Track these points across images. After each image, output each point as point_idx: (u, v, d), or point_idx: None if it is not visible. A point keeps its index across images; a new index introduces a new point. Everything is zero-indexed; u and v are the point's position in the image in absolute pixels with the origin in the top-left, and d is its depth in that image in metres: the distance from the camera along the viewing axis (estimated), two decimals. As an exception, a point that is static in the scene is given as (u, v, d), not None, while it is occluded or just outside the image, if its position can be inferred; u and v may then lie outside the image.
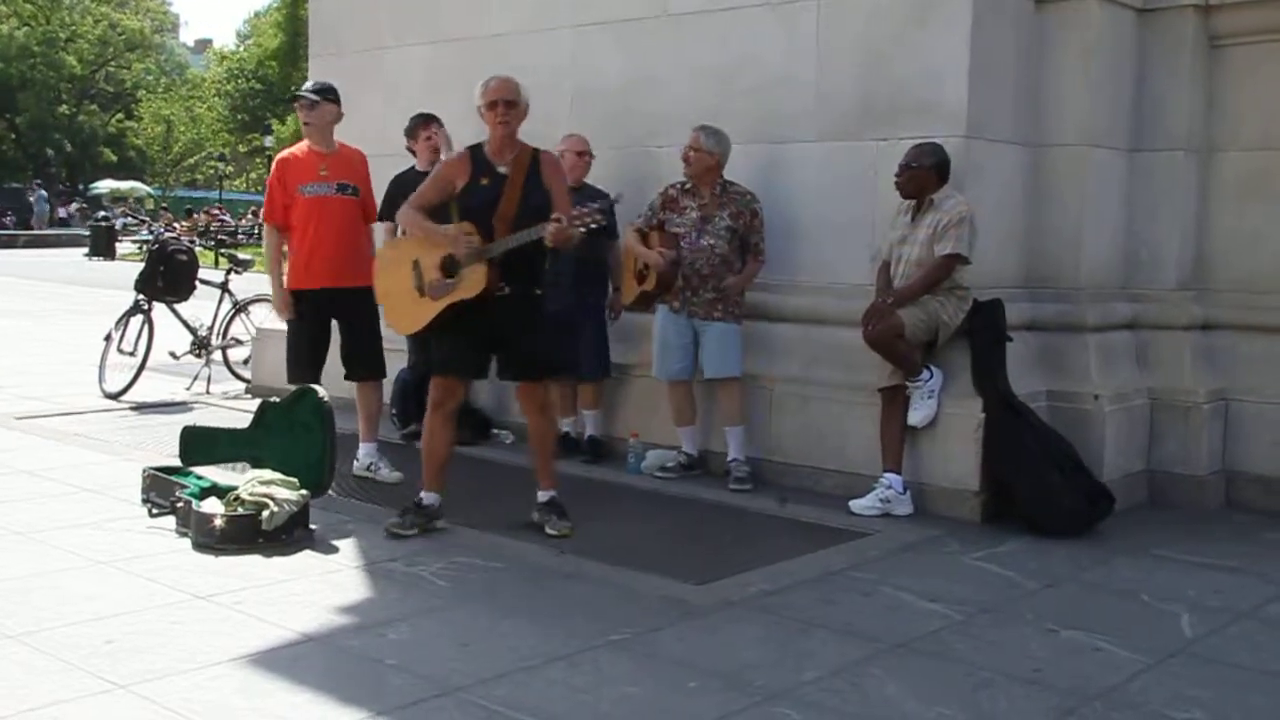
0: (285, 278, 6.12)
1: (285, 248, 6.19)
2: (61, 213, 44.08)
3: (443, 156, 6.93)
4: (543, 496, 5.18)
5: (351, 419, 6.14)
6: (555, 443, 5.45)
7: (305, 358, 6.03)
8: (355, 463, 6.09)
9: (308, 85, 6.16)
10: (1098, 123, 6.26)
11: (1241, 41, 6.43)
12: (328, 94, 6.06)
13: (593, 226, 4.93)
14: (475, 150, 5.09)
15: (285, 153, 6.29)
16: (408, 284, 5.08)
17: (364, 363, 6.11)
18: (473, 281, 4.91)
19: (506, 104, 5.01)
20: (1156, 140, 6.50)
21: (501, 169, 5.00)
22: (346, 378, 6.12)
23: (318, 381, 6.02)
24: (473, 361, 5.16)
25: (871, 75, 6.12)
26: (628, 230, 6.44)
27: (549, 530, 5.05)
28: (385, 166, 6.87)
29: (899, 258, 5.77)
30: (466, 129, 6.62)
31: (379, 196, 6.42)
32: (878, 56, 6.10)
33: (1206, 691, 3.61)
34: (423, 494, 5.11)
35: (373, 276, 5.47)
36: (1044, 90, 6.24)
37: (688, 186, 6.24)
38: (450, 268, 4.95)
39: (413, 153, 6.94)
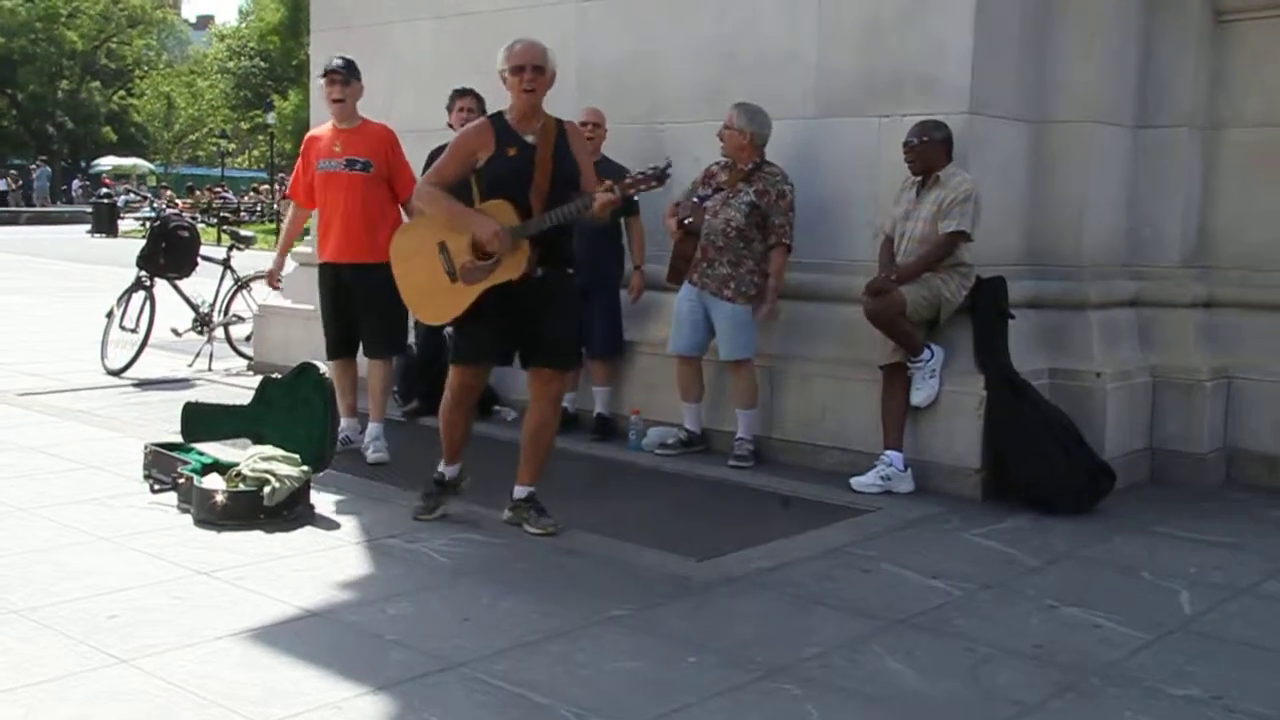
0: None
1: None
2: (75, 189, 44.03)
3: None
4: (521, 492, 4.87)
5: (362, 397, 6.15)
6: (553, 438, 4.99)
7: (330, 331, 6.13)
8: (363, 440, 6.10)
9: (336, 61, 6.06)
10: (1102, 99, 6.23)
11: (1248, 17, 6.39)
12: (356, 70, 6.06)
13: (644, 190, 4.68)
14: (497, 119, 4.77)
15: (313, 130, 6.37)
16: (436, 270, 4.68)
17: (374, 340, 6.09)
18: (515, 263, 4.56)
19: (535, 69, 4.65)
20: (1161, 117, 6.47)
21: (529, 138, 4.66)
22: (363, 353, 6.11)
23: (351, 355, 6.05)
24: (500, 351, 4.84)
25: (874, 51, 6.09)
26: (668, 209, 6.42)
27: (530, 529, 4.77)
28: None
29: (903, 234, 5.75)
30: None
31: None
32: (880, 32, 6.06)
33: (1205, 668, 3.61)
34: (443, 468, 4.97)
35: (392, 262, 5.00)
36: (1048, 66, 6.20)
37: (726, 163, 6.22)
38: (486, 250, 4.60)
39: (452, 127, 6.92)
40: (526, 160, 4.63)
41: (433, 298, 4.77)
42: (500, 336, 4.74)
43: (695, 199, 6.22)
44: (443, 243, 4.68)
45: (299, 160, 6.26)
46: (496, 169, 4.65)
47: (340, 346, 6.12)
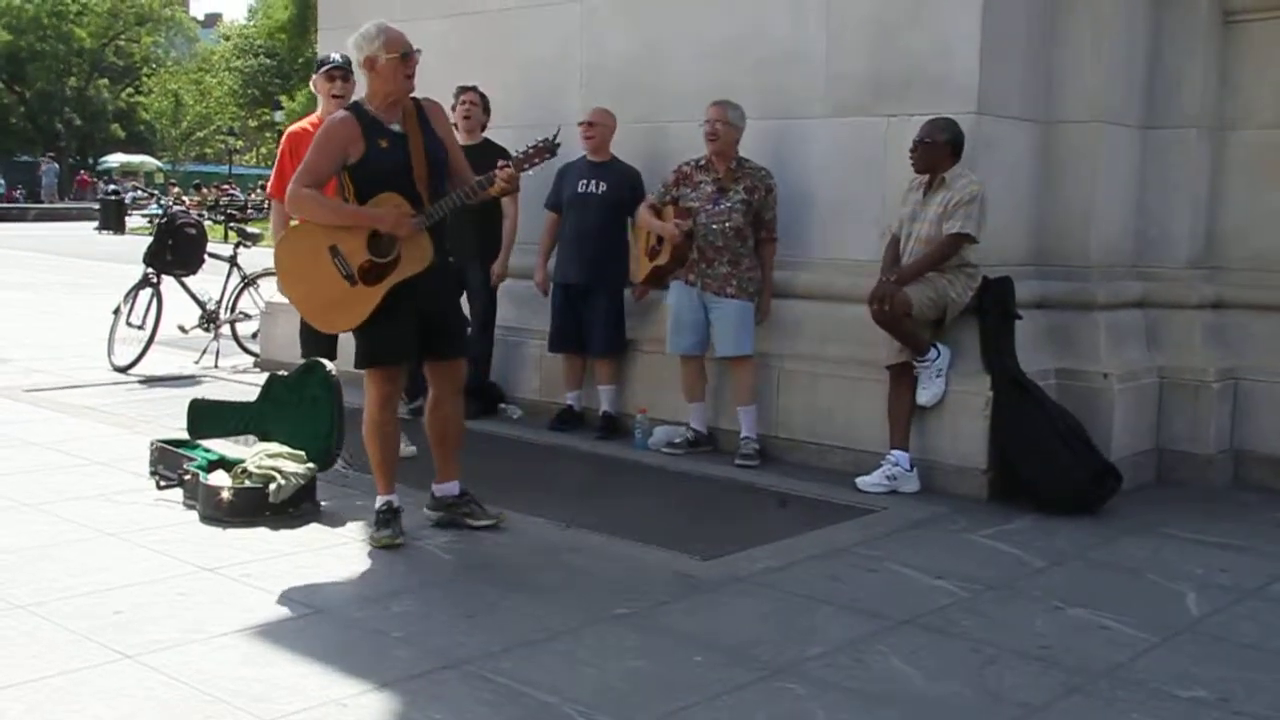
0: None
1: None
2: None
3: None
4: (453, 489, 4.81)
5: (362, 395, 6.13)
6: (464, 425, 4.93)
7: (314, 332, 5.96)
8: None
9: (337, 56, 5.94)
10: (1110, 99, 6.22)
11: (1257, 18, 6.37)
12: (352, 68, 6.00)
13: (538, 163, 4.63)
14: (358, 111, 4.54)
15: (296, 126, 6.15)
16: (332, 276, 4.46)
17: None
18: (419, 254, 4.44)
19: (416, 55, 4.55)
20: (1169, 117, 6.46)
21: (395, 127, 4.50)
22: None
23: (331, 356, 5.99)
24: (414, 344, 4.59)
25: (882, 50, 6.08)
26: (641, 207, 6.43)
27: (475, 523, 4.76)
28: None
29: (909, 235, 5.74)
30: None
31: None
32: (888, 31, 6.06)
33: (1212, 670, 3.60)
34: (390, 498, 4.65)
35: (278, 276, 4.84)
36: (1056, 66, 6.19)
37: (702, 163, 6.23)
38: (383, 246, 4.44)
39: (455, 127, 6.90)
40: (402, 151, 4.48)
41: (334, 305, 4.54)
42: (411, 330, 4.54)
43: (671, 198, 6.25)
44: (333, 246, 4.46)
45: (282, 157, 6.02)
46: (374, 164, 4.45)
47: (324, 346, 5.96)
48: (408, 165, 4.47)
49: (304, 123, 6.14)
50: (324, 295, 4.54)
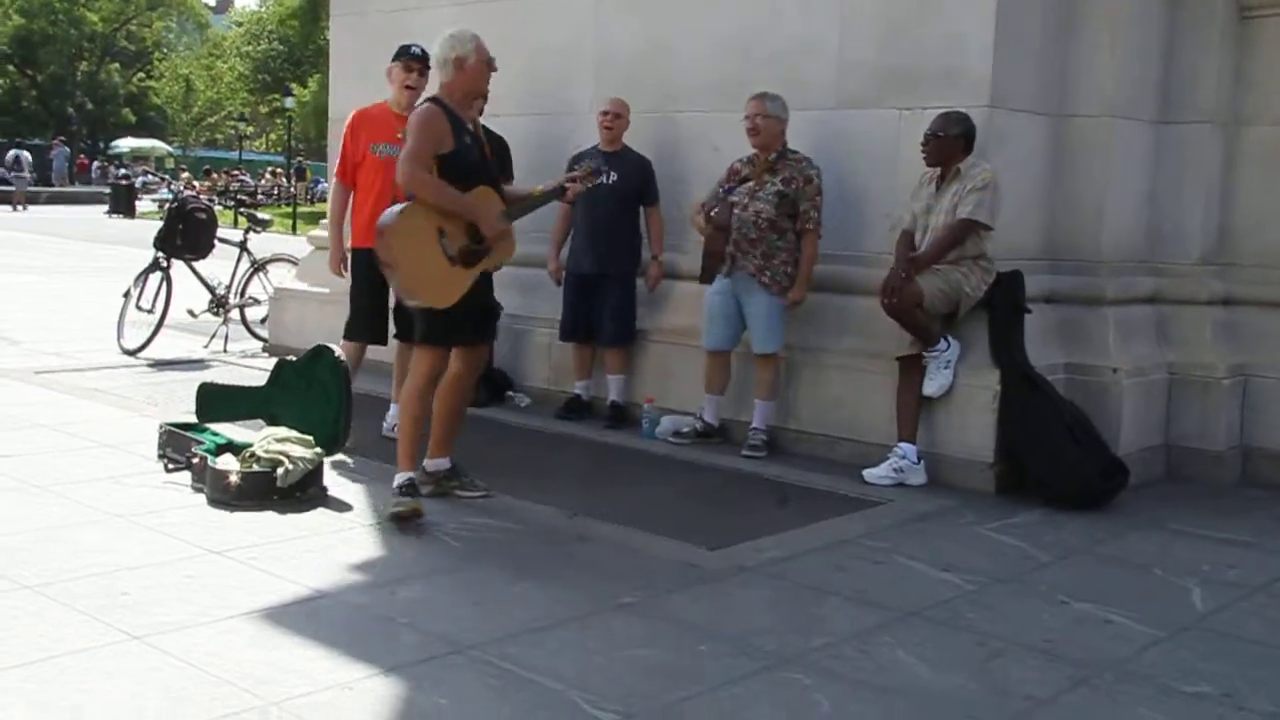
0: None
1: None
2: (94, 170, 44.43)
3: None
4: (446, 463, 5.03)
5: (376, 380, 6.13)
6: None
7: (365, 314, 5.94)
8: (384, 422, 6.07)
9: (417, 49, 5.94)
10: (1123, 94, 6.20)
11: (1273, 14, 6.34)
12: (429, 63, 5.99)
13: (596, 182, 5.37)
14: (444, 108, 4.79)
15: (361, 109, 6.16)
16: (438, 254, 4.69)
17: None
18: (507, 245, 4.88)
19: (496, 65, 4.93)
20: (1183, 112, 6.43)
21: (470, 127, 4.89)
22: (395, 335, 5.94)
23: (382, 340, 5.95)
24: (469, 330, 4.90)
25: (894, 43, 6.06)
26: (693, 206, 6.39)
27: (465, 494, 4.99)
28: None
29: (924, 228, 5.73)
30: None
31: None
32: (901, 23, 6.04)
33: (1217, 665, 3.60)
34: (411, 474, 4.81)
35: (390, 248, 4.87)
36: (1069, 60, 6.17)
37: (750, 159, 6.20)
38: (478, 234, 4.76)
39: None
40: (480, 149, 4.89)
41: (435, 281, 4.75)
42: (473, 316, 4.85)
43: (723, 190, 6.20)
44: (441, 229, 4.71)
45: (346, 139, 6.03)
46: (465, 158, 4.75)
47: (378, 331, 5.96)
48: (485, 161, 4.89)
49: (369, 108, 6.10)
50: (428, 271, 4.76)
